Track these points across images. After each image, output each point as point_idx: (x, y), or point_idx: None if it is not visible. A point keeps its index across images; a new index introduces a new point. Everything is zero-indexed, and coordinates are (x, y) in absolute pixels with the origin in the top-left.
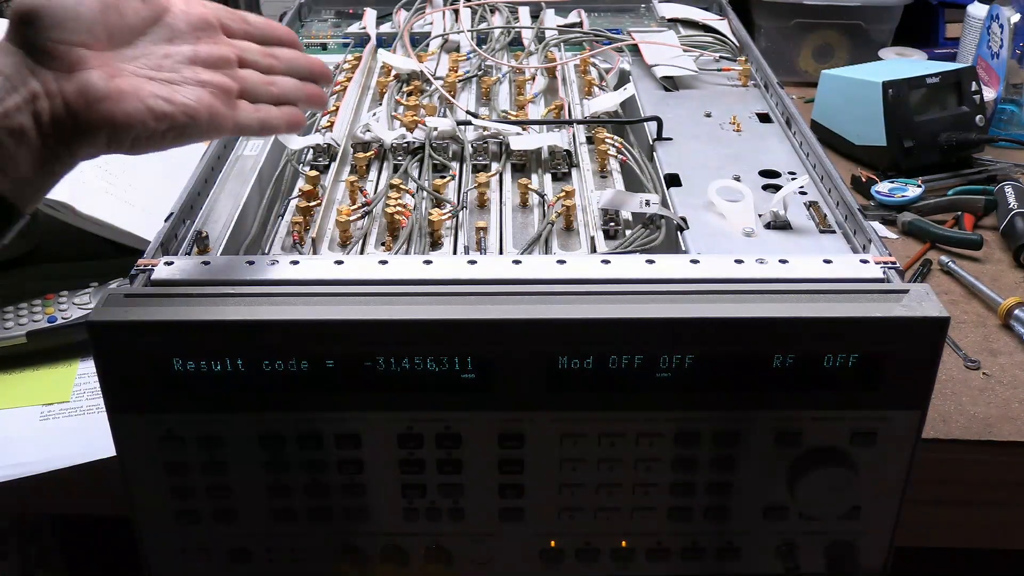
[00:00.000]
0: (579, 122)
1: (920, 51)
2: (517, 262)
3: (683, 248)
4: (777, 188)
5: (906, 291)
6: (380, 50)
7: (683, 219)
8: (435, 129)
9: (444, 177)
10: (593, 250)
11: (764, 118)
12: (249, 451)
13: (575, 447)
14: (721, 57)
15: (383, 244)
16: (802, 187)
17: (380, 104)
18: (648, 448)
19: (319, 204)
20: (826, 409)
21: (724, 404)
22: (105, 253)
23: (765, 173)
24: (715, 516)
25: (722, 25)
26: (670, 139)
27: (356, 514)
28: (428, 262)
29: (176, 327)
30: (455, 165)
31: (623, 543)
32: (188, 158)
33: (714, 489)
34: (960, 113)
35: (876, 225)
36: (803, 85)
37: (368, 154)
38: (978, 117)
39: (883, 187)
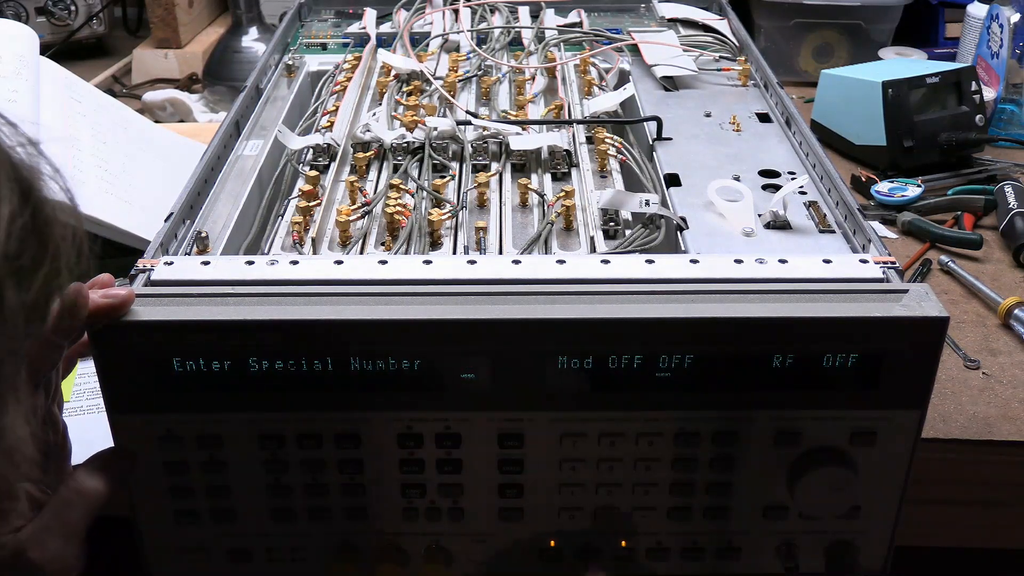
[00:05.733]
0: (579, 122)
1: (920, 51)
2: (517, 262)
3: (683, 248)
4: (777, 188)
5: (906, 291)
6: (380, 50)
7: (683, 219)
8: (435, 129)
9: (444, 177)
10: (593, 250)
11: (764, 118)
12: (249, 451)
13: (575, 447)
14: (721, 57)
15: (383, 244)
16: (802, 187)
17: (380, 104)
18: (648, 448)
19: (319, 204)
20: (826, 409)
21: (724, 404)
22: (105, 253)
23: (765, 173)
24: (715, 516)
25: (722, 25)
26: (670, 139)
27: (356, 514)
28: (428, 262)
29: (176, 327)
30: (455, 165)
31: (623, 543)
32: (188, 158)
33: (714, 489)
34: (960, 113)
35: (876, 225)
36: (803, 85)
37: (368, 154)
38: (978, 117)
39: (883, 187)
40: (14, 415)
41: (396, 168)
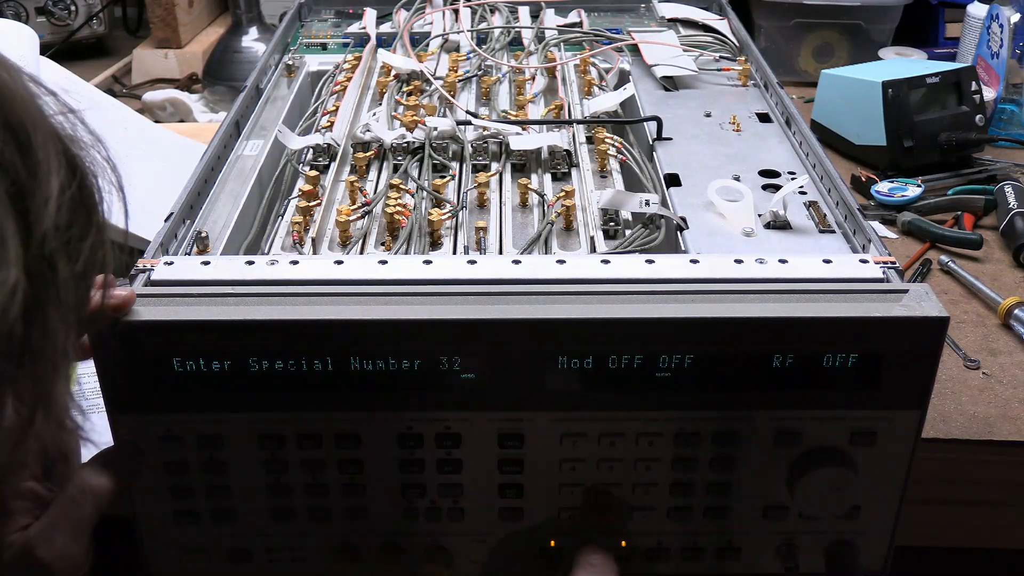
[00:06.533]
0: (579, 122)
1: (920, 51)
2: (517, 262)
3: (683, 248)
4: (777, 188)
5: (906, 291)
6: (380, 50)
7: (683, 219)
8: (435, 129)
9: (444, 177)
10: (593, 250)
11: (764, 118)
12: (249, 451)
13: (575, 447)
14: (721, 57)
15: (383, 244)
16: (802, 187)
17: (380, 104)
18: (648, 448)
19: (319, 204)
20: (826, 409)
21: (724, 404)
22: None
23: (765, 173)
24: (715, 516)
25: (722, 25)
26: (670, 139)
27: (356, 514)
28: (428, 262)
29: (176, 327)
30: (455, 165)
31: (623, 543)
32: (188, 158)
33: (714, 489)
34: (960, 113)
35: (876, 225)
36: (803, 85)
37: (368, 154)
38: (978, 117)
39: (883, 187)
40: (63, 385)
41: (396, 168)
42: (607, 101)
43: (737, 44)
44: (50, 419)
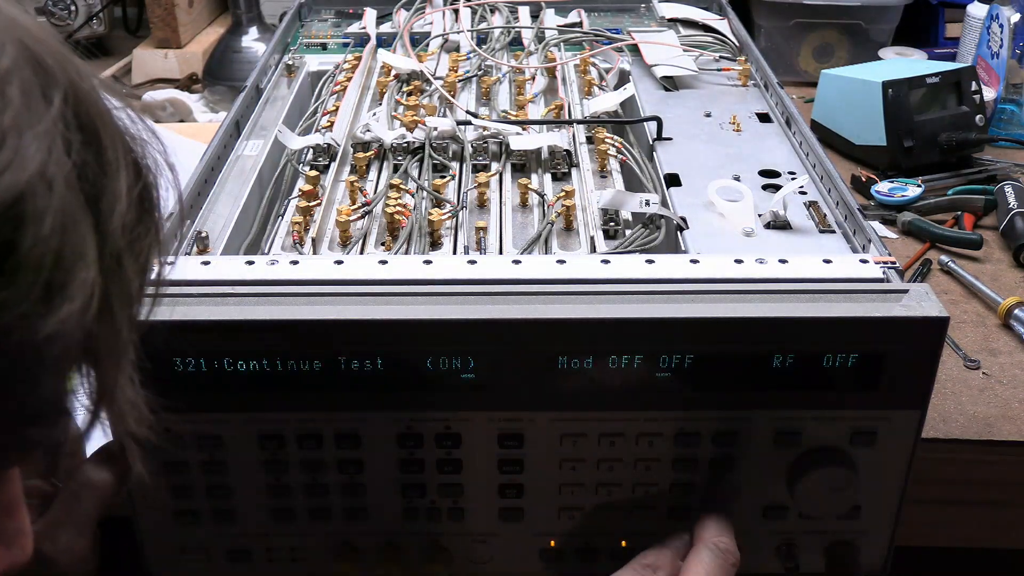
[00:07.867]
0: (579, 122)
1: (920, 51)
2: (517, 262)
3: (683, 248)
4: (777, 188)
5: (906, 291)
6: (380, 50)
7: (683, 219)
8: (435, 129)
9: (444, 177)
10: (593, 250)
11: (764, 118)
12: (249, 451)
13: (575, 447)
14: (721, 57)
15: (383, 244)
16: (802, 187)
17: (380, 104)
18: (648, 448)
19: (319, 204)
20: (826, 409)
21: (724, 404)
22: None
23: (765, 173)
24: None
25: (722, 25)
26: (670, 139)
27: (356, 514)
28: (428, 262)
29: (176, 327)
30: (455, 165)
31: (623, 543)
32: (188, 158)
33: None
34: (960, 113)
35: (876, 225)
36: (803, 85)
37: (368, 154)
38: (978, 117)
39: (883, 187)
40: (124, 380)
41: (396, 168)
42: (607, 101)
43: (737, 44)
44: (114, 414)
